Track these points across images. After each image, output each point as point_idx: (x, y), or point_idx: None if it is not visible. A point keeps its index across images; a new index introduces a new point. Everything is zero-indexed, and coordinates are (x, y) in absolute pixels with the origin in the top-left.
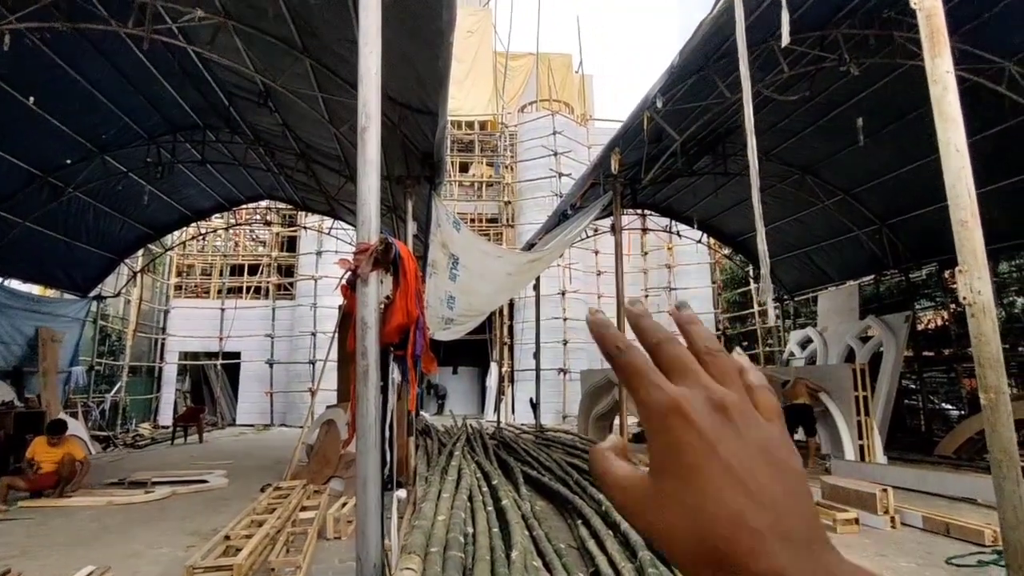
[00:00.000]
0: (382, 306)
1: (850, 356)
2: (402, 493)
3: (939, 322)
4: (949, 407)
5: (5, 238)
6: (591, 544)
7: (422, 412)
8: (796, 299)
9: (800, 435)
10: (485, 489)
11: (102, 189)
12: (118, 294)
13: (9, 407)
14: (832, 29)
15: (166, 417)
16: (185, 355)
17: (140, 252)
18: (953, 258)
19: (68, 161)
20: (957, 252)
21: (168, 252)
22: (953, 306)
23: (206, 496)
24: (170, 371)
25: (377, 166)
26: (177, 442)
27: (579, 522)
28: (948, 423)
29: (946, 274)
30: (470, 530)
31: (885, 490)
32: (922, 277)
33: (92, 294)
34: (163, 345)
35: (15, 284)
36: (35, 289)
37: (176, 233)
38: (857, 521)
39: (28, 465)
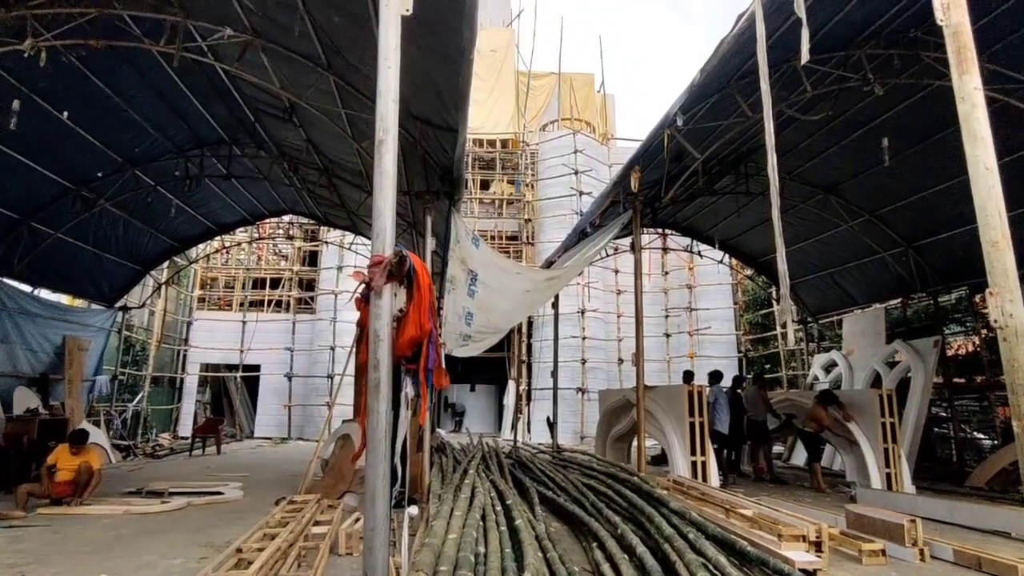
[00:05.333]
0: (395, 320)
1: (876, 381)
2: (414, 510)
3: (970, 348)
4: (981, 436)
5: (37, 248)
6: (606, 568)
7: (439, 429)
8: (820, 322)
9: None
10: (499, 508)
11: (131, 202)
12: (143, 305)
13: (34, 414)
14: (856, 49)
15: (186, 428)
16: (206, 367)
17: (165, 264)
18: (983, 282)
19: (99, 174)
20: (988, 274)
21: (192, 265)
22: (985, 331)
23: (221, 508)
24: (191, 382)
25: (393, 179)
26: (195, 453)
27: (594, 545)
28: (980, 453)
29: (976, 299)
30: (482, 550)
31: (913, 520)
32: (951, 301)
33: (118, 304)
34: (185, 356)
35: (44, 293)
36: (63, 298)
37: (201, 246)
38: (884, 552)
39: (48, 471)
